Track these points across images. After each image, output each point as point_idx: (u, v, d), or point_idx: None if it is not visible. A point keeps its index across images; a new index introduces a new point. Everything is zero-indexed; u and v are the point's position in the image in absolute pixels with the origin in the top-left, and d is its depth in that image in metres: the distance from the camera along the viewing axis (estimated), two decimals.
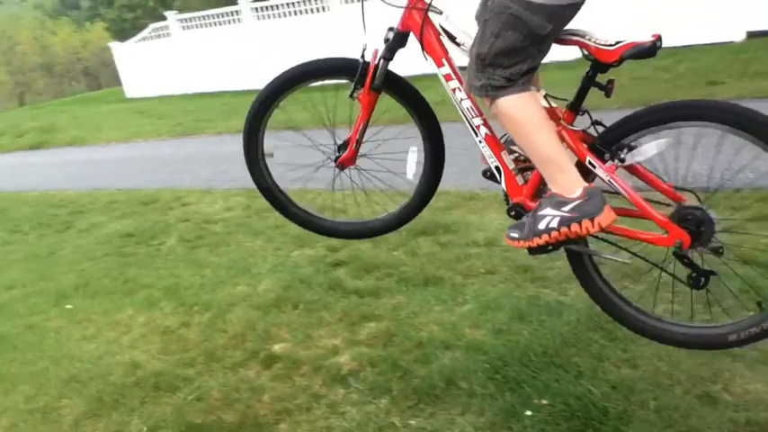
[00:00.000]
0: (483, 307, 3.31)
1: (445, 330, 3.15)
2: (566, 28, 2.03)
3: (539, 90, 2.15)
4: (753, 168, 2.30)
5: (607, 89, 2.03)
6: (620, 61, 1.92)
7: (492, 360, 2.81)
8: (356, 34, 2.58)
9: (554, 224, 1.97)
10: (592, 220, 1.92)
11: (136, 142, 12.53)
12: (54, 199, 8.16)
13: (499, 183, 2.28)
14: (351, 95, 2.47)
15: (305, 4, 15.36)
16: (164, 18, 18.45)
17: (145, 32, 19.14)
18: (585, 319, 2.99)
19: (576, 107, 2.11)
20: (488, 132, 2.26)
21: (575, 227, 1.95)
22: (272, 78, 2.62)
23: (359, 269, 4.11)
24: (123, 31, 34.60)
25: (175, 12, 18.69)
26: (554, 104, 2.16)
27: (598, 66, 1.99)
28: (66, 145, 13.73)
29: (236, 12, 16.58)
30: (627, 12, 10.04)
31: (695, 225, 1.99)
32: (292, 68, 2.54)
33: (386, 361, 2.98)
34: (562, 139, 2.06)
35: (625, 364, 2.68)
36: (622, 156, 2.02)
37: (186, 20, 17.88)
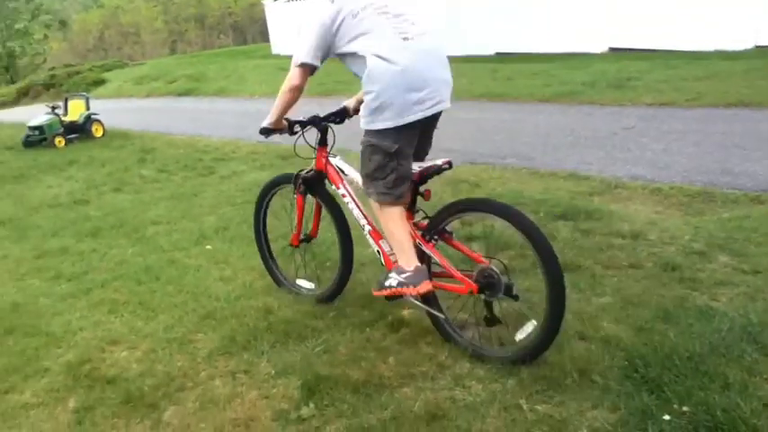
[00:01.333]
0: (624, 301, 3.14)
1: (581, 320, 3.02)
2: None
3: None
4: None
5: (424, 195, 3.05)
6: (424, 179, 3.00)
7: (631, 357, 2.66)
8: None
9: (393, 284, 2.91)
10: (414, 287, 2.85)
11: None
12: (199, 144, 8.58)
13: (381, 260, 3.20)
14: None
15: None
16: None
17: None
18: (738, 329, 2.77)
19: (411, 209, 3.08)
20: (371, 228, 3.23)
21: (403, 289, 2.88)
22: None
23: (492, 245, 4.01)
24: None
25: None
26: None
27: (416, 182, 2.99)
28: (213, 94, 14.39)
29: None
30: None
31: (484, 279, 2.79)
32: (270, 180, 3.82)
33: None
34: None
35: None
36: (436, 237, 3.00)
37: None
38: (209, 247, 4.51)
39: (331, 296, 3.53)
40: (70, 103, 10.26)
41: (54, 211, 5.78)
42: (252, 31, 50.52)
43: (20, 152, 9.02)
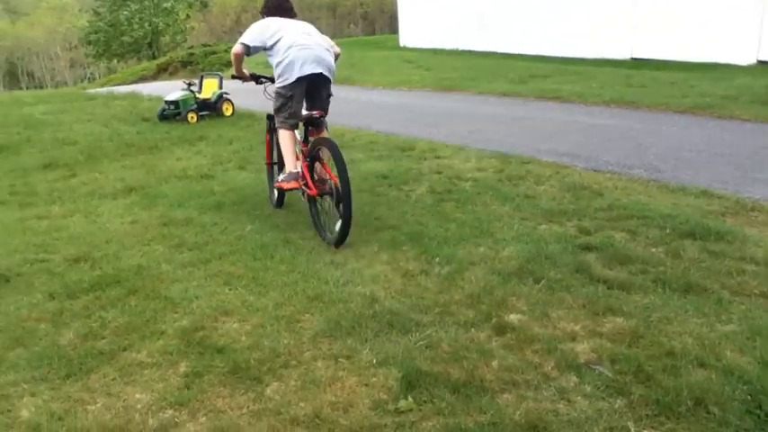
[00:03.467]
0: (752, 331, 2.92)
1: (702, 346, 2.83)
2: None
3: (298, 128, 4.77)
4: None
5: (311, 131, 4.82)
6: (309, 122, 4.80)
7: (755, 392, 2.47)
8: None
9: (279, 179, 4.67)
10: (287, 183, 4.51)
11: (400, 90, 13.00)
12: None
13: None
14: None
15: None
16: None
17: None
18: None
19: (305, 139, 4.82)
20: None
21: (282, 183, 4.56)
22: None
23: (611, 258, 3.86)
24: None
25: None
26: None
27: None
28: (338, 83, 14.65)
29: None
30: None
31: (327, 188, 4.44)
32: None
33: (629, 361, 2.76)
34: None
35: None
36: (309, 159, 4.61)
37: None
38: None
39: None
40: (205, 81, 10.74)
41: (181, 183, 6.07)
42: (380, 21, 51.23)
43: (155, 124, 9.54)
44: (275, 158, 5.30)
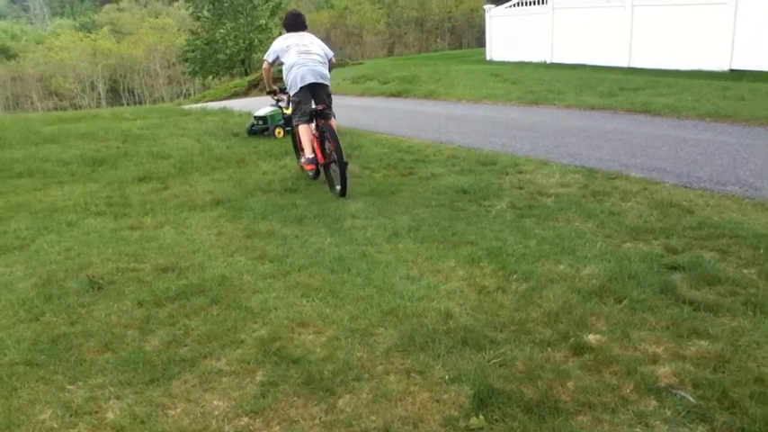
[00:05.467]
0: None
1: None
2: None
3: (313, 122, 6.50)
4: None
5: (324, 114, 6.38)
6: (317, 114, 6.43)
7: None
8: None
9: (302, 161, 6.56)
10: (307, 165, 6.45)
11: (485, 103, 12.92)
12: (403, 144, 8.81)
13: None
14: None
15: None
16: None
17: None
18: None
19: (316, 126, 6.46)
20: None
21: (303, 163, 6.53)
22: None
23: (699, 278, 3.69)
24: None
25: None
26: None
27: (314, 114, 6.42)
28: (422, 97, 14.71)
29: None
30: None
31: (331, 159, 6.28)
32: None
33: (713, 386, 2.64)
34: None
35: None
36: (321, 140, 6.43)
37: None
38: (400, 245, 4.61)
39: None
40: None
41: (266, 196, 6.23)
42: (468, 35, 51.16)
43: (244, 139, 9.84)
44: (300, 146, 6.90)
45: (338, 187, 6.10)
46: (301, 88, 6.26)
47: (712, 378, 2.71)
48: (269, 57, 6.53)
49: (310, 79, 6.23)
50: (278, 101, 10.43)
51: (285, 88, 6.71)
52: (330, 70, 6.53)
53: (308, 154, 6.32)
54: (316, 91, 6.34)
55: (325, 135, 6.24)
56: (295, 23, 6.70)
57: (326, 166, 6.43)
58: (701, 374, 2.75)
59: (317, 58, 6.36)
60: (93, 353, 3.26)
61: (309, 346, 3.21)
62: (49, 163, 8.12)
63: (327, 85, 6.42)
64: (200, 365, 3.10)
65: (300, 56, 6.29)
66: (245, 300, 3.79)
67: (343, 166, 5.91)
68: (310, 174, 6.74)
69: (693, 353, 2.93)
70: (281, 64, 6.53)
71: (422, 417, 2.60)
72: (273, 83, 7.01)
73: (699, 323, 3.18)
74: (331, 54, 6.59)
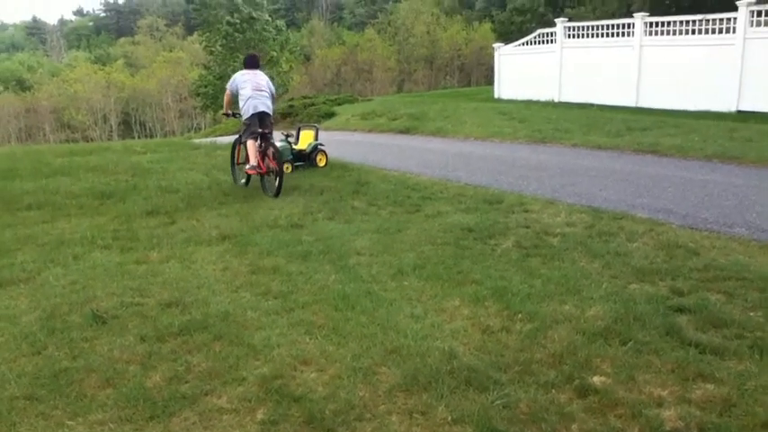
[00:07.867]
0: None
1: None
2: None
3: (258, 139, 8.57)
4: None
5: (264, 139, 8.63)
6: (261, 136, 8.62)
7: None
8: None
9: (246, 167, 8.47)
10: (251, 170, 8.40)
11: (492, 141, 13.00)
12: (410, 181, 8.85)
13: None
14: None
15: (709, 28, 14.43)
16: (552, 24, 18.75)
17: (530, 36, 19.68)
18: None
19: (260, 146, 8.52)
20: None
21: (248, 170, 8.45)
22: None
23: (705, 321, 3.67)
24: (508, 34, 36.17)
25: (565, 19, 18.74)
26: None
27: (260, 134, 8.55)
28: (430, 134, 14.82)
29: (630, 25, 16.18)
30: None
31: (270, 170, 8.48)
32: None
33: (719, 430, 2.61)
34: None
35: None
36: (264, 155, 8.53)
37: (574, 28, 17.96)
38: (405, 283, 4.60)
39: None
40: (302, 132, 11.10)
41: (272, 232, 6.24)
42: (477, 73, 51.67)
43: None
44: (242, 159, 8.82)
45: (270, 193, 8.21)
46: (252, 115, 8.35)
47: (718, 422, 2.67)
48: (230, 87, 8.73)
49: (261, 108, 8.39)
50: (287, 136, 10.61)
51: (237, 113, 8.77)
52: (273, 103, 8.76)
53: (253, 162, 8.27)
54: (262, 118, 8.44)
55: (266, 152, 8.40)
56: (252, 63, 8.88)
57: (263, 176, 8.46)
58: (707, 418, 2.71)
59: (266, 93, 8.54)
60: (94, 388, 3.25)
61: (311, 385, 3.19)
62: (58, 195, 8.19)
63: (270, 115, 8.59)
64: (200, 403, 3.08)
65: (254, 91, 8.41)
66: (247, 336, 3.78)
67: (281, 173, 8.22)
68: (242, 181, 8.86)
69: (699, 396, 2.90)
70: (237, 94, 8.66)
71: None
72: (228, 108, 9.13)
73: (705, 366, 3.15)
74: (274, 90, 8.79)
